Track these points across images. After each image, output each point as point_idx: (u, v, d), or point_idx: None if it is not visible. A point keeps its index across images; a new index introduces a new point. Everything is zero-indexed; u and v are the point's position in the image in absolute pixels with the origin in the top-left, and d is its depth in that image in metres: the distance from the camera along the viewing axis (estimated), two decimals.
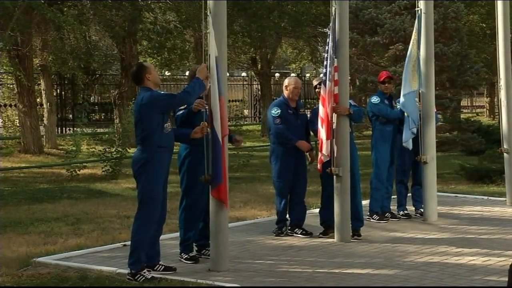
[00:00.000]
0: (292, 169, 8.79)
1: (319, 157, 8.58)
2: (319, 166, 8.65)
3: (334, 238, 8.55)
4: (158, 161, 6.88)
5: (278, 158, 8.81)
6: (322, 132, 8.43)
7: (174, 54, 24.21)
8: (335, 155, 8.40)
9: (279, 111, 8.76)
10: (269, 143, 9.41)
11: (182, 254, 7.60)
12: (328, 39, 8.50)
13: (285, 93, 8.92)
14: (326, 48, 8.53)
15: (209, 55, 7.04)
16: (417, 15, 9.76)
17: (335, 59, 8.35)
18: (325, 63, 8.57)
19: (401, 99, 9.61)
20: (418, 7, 9.79)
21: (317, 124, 8.62)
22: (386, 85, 9.89)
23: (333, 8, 8.48)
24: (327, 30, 8.60)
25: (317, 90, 8.78)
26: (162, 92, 7.09)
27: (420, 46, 9.68)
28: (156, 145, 6.87)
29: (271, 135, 8.94)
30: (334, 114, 8.41)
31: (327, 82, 8.39)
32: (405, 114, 9.56)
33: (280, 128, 8.72)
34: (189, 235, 7.57)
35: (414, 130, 9.55)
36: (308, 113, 9.25)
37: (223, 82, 7.10)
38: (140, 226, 6.89)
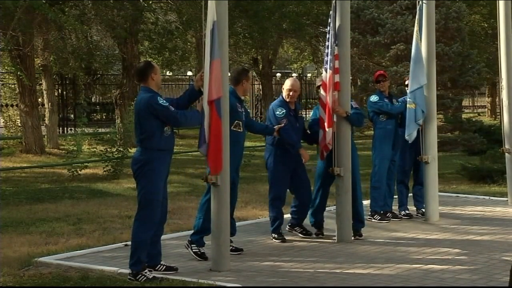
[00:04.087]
0: (290, 173, 8.54)
1: (321, 146, 8.50)
2: (324, 153, 8.51)
3: (334, 238, 8.56)
4: (158, 163, 6.83)
5: (276, 161, 8.51)
6: (324, 118, 8.37)
7: (175, 54, 24.24)
8: (336, 155, 8.41)
9: (284, 111, 8.48)
10: None
11: (193, 245, 7.54)
12: (328, 27, 8.44)
13: (283, 94, 8.70)
14: (328, 36, 8.45)
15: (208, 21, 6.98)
16: (418, 7, 9.73)
17: (336, 47, 8.32)
18: (326, 51, 8.49)
19: (409, 95, 9.57)
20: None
21: (316, 127, 8.61)
22: (381, 83, 9.90)
23: (333, 1, 8.45)
24: (328, 25, 8.55)
25: (319, 90, 8.69)
26: (161, 102, 6.84)
27: (421, 38, 9.65)
28: (155, 148, 6.83)
29: (271, 136, 8.56)
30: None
31: (328, 70, 8.35)
32: (408, 107, 9.52)
33: (287, 130, 8.41)
34: (207, 225, 7.41)
35: (421, 121, 9.53)
36: (308, 114, 9.10)
37: (220, 46, 6.98)
38: (140, 227, 6.87)
